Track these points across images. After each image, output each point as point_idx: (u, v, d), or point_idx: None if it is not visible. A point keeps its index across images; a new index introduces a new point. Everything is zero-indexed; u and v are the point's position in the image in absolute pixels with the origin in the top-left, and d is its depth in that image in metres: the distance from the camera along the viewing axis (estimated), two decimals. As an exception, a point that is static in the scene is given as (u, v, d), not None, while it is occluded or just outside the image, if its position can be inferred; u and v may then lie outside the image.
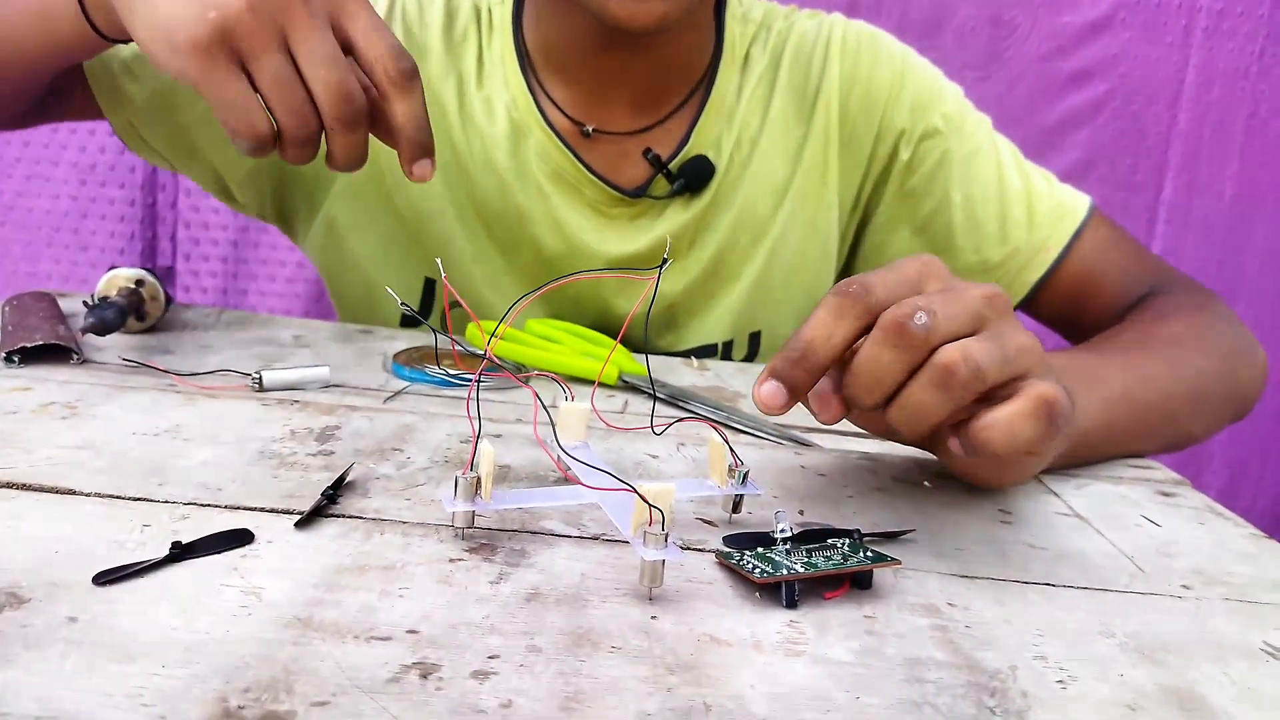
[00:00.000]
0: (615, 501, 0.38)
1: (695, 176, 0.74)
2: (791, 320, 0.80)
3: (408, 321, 0.79)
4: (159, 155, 0.74)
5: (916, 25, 1.23)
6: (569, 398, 0.45)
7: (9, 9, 0.60)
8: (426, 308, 0.79)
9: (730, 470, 0.42)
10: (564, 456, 0.42)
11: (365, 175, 0.76)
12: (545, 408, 0.41)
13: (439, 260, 0.46)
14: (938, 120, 0.76)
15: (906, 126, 0.76)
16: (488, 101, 0.75)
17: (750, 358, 0.80)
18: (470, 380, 0.59)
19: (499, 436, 0.51)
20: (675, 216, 0.75)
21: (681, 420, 0.43)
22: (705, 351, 0.79)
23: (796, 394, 0.40)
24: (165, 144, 0.73)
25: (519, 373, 0.62)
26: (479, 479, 0.37)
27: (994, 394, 0.39)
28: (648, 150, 0.74)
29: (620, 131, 0.75)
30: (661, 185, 0.75)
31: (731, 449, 0.41)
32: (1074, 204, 0.75)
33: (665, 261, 0.42)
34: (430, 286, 0.78)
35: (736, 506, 0.42)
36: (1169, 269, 0.74)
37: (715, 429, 0.42)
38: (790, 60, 0.77)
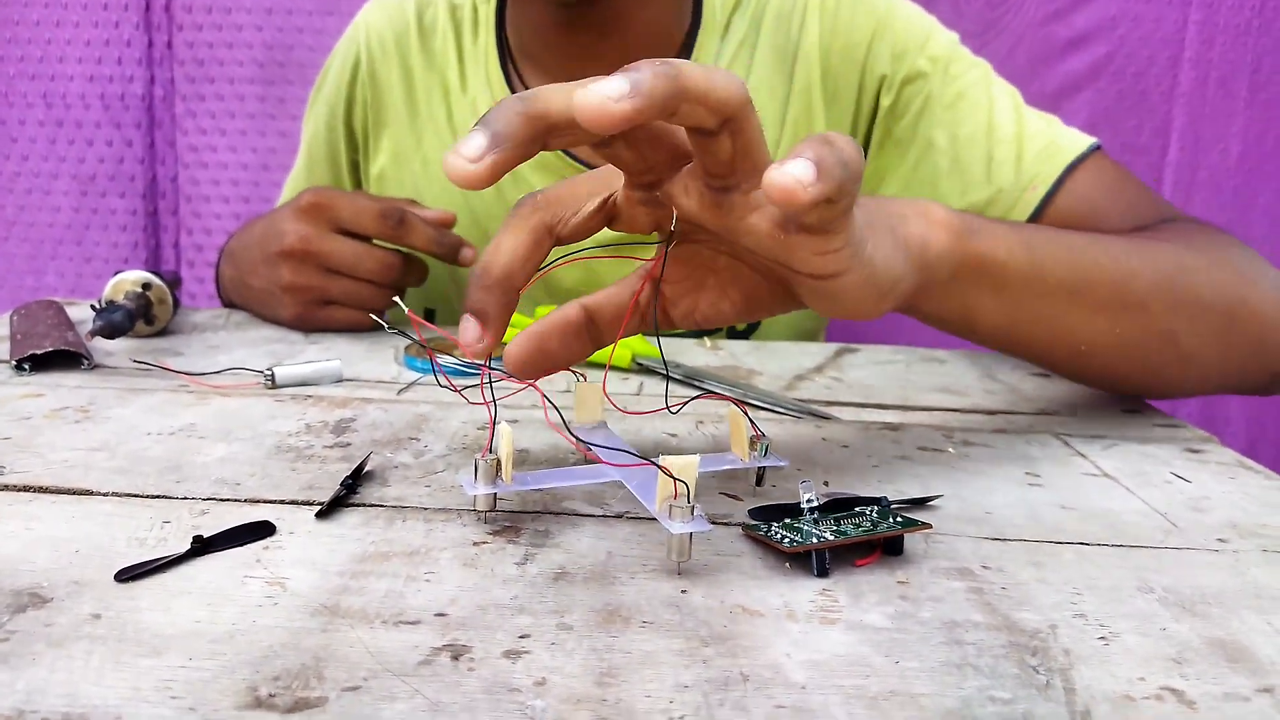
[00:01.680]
0: (639, 479, 0.38)
1: None
2: None
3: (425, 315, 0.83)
4: None
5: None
6: (582, 379, 0.44)
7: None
8: (430, 317, 0.84)
9: (752, 443, 0.41)
10: (580, 437, 0.41)
11: (393, 188, 0.80)
12: (551, 404, 0.40)
13: (397, 299, 0.44)
14: (922, 63, 0.73)
15: (887, 73, 0.74)
16: (473, 104, 0.77)
17: (751, 329, 0.80)
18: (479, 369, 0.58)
19: (515, 422, 0.50)
20: None
21: (697, 398, 0.42)
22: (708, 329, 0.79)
23: (486, 320, 0.36)
24: None
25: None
26: (499, 461, 0.37)
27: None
28: None
29: None
30: None
31: (753, 422, 0.41)
32: (1070, 143, 0.70)
33: (671, 239, 0.41)
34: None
35: (760, 480, 0.42)
36: (1180, 213, 0.68)
37: (735, 404, 0.42)
38: (771, 24, 0.76)
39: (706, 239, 0.40)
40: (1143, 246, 0.54)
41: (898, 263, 0.41)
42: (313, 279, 0.66)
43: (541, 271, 0.42)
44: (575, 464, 0.45)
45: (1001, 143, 0.71)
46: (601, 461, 0.39)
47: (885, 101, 0.75)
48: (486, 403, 0.38)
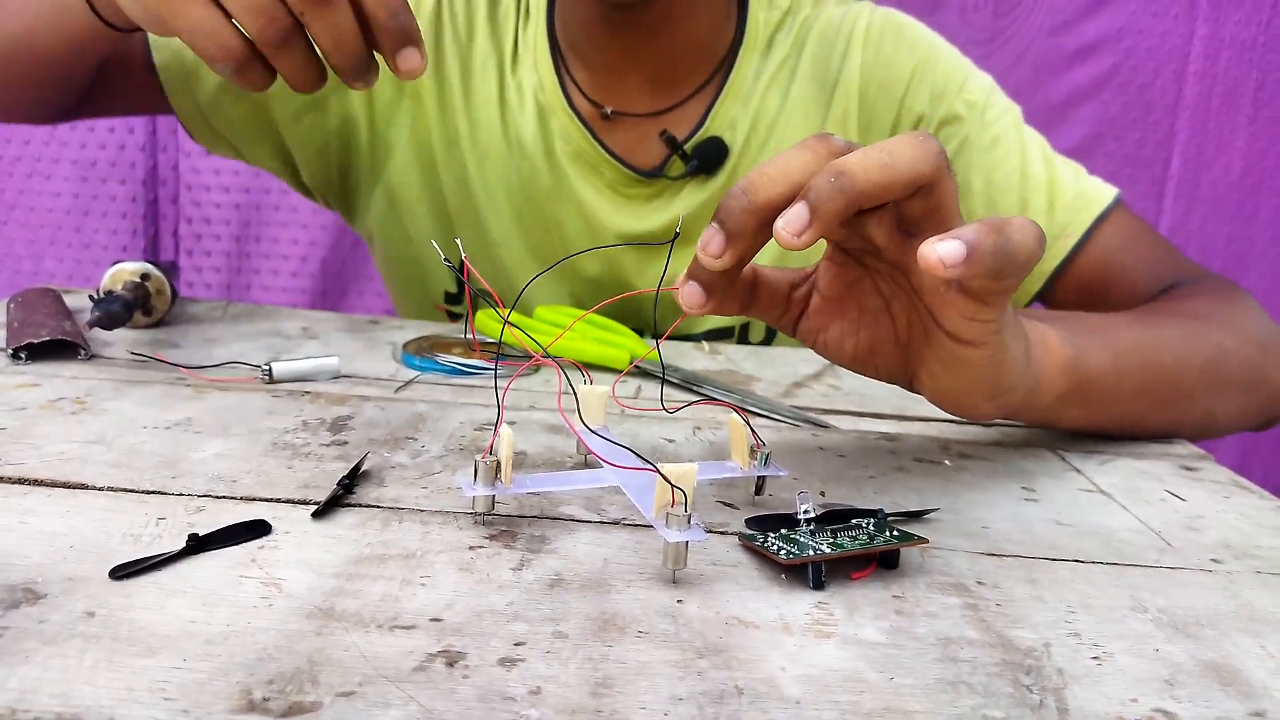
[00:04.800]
0: (637, 485, 0.38)
1: (709, 157, 0.75)
2: None
3: (452, 299, 0.81)
4: (226, 142, 0.77)
5: (920, 1, 1.21)
6: (588, 381, 0.44)
7: (27, 9, 0.62)
8: (459, 290, 0.81)
9: (752, 451, 0.41)
10: (588, 437, 0.41)
11: (418, 149, 0.78)
12: (570, 388, 0.40)
13: (458, 240, 0.44)
14: (960, 106, 0.75)
15: (926, 111, 0.76)
16: (519, 86, 0.77)
17: (768, 340, 0.79)
18: (479, 368, 0.58)
19: (513, 423, 0.50)
20: (690, 197, 0.76)
21: (695, 403, 0.42)
22: (723, 334, 0.79)
23: (734, 241, 0.38)
24: (238, 127, 0.76)
25: (529, 361, 0.61)
26: (499, 463, 0.37)
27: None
28: (663, 131, 0.75)
29: (638, 113, 0.76)
30: (677, 166, 0.76)
31: (753, 430, 0.41)
32: (1098, 194, 0.74)
33: (676, 235, 0.41)
34: (461, 268, 0.80)
35: (759, 488, 0.42)
36: (1197, 266, 0.72)
37: (736, 411, 0.42)
38: (814, 47, 0.77)
39: (883, 267, 0.42)
40: (1191, 335, 0.58)
41: (1020, 370, 0.43)
42: None
43: (555, 265, 0.42)
44: (573, 468, 0.45)
45: (1035, 190, 0.74)
46: (603, 461, 0.38)
47: None
48: (502, 406, 0.38)
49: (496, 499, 0.37)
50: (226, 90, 0.73)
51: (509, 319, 0.53)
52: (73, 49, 0.64)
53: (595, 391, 0.43)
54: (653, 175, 0.75)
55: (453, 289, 0.81)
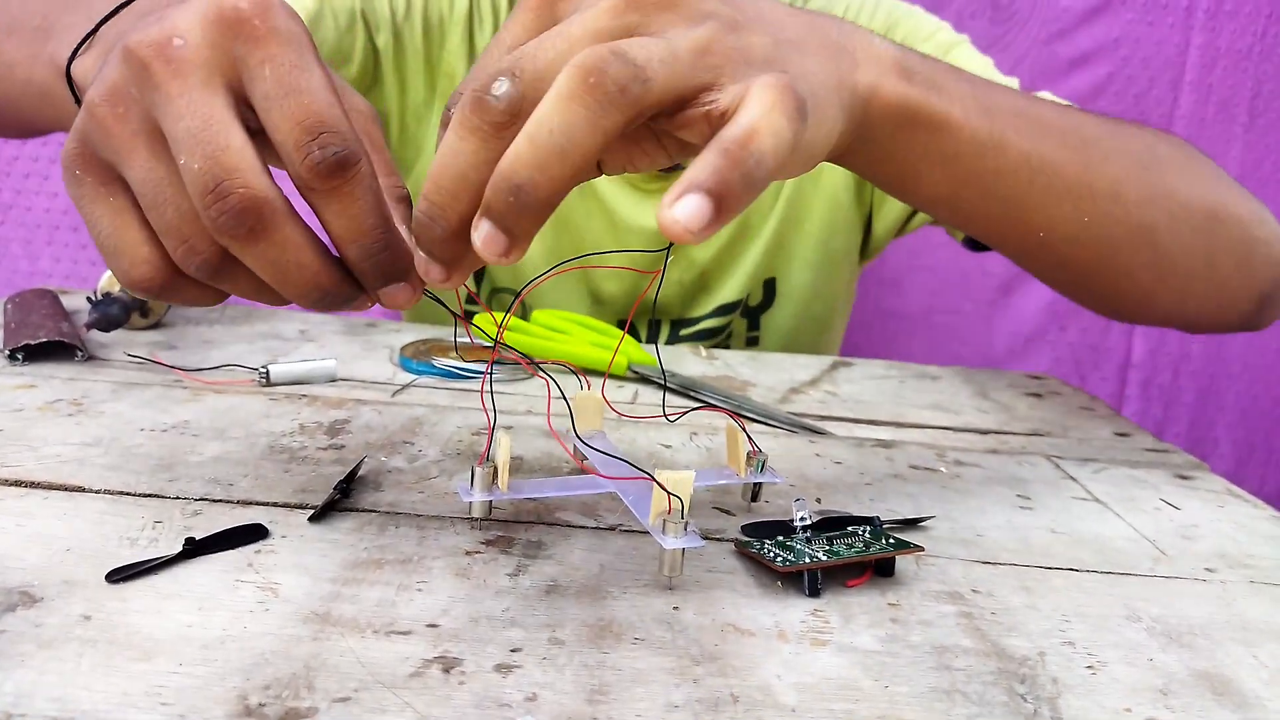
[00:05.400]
0: (633, 491, 0.38)
1: None
2: (804, 266, 0.82)
3: (470, 300, 0.83)
4: None
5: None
6: (585, 386, 0.44)
7: (12, 84, 0.50)
8: (477, 288, 0.82)
9: (749, 458, 0.41)
10: (580, 446, 0.41)
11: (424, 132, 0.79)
12: (560, 396, 0.40)
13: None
14: (929, 48, 0.76)
15: None
16: None
17: (766, 304, 0.82)
18: (476, 373, 0.58)
19: (510, 428, 0.50)
20: None
21: (696, 409, 0.42)
22: (731, 308, 0.81)
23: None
24: None
25: (527, 363, 0.61)
26: (495, 469, 0.37)
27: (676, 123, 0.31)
28: None
29: None
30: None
31: (750, 437, 0.41)
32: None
33: (670, 245, 0.41)
34: (479, 272, 0.82)
35: (755, 495, 0.42)
36: None
37: (732, 418, 0.42)
38: None
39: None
40: (1116, 129, 0.49)
41: (830, 116, 0.35)
42: (126, 124, 0.31)
43: (544, 277, 0.42)
44: (570, 474, 0.45)
45: None
46: (598, 474, 0.39)
47: None
48: (485, 409, 0.38)
49: (494, 504, 0.37)
50: None
51: (505, 324, 0.53)
52: (63, 125, 0.49)
53: (590, 397, 0.43)
54: (673, 169, 0.76)
55: (474, 288, 0.82)
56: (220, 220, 0.29)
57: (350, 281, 0.32)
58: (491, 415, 0.38)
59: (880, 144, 0.39)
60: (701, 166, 0.27)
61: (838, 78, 0.36)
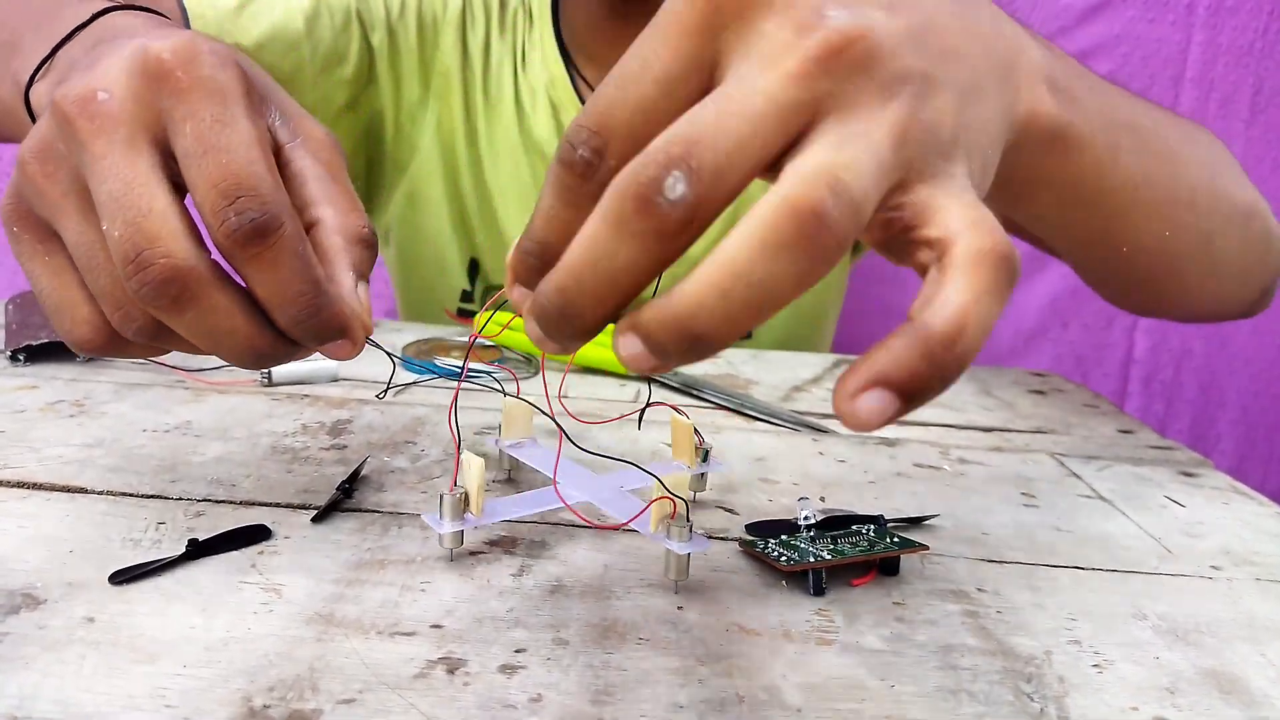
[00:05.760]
0: (606, 496, 0.37)
1: None
2: None
3: (467, 298, 0.83)
4: None
5: (918, 7, 1.22)
6: (517, 392, 0.42)
7: None
8: (471, 288, 0.82)
9: (695, 449, 0.41)
10: (507, 455, 0.41)
11: (442, 148, 0.79)
12: (560, 400, 0.40)
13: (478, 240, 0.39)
14: None
15: None
16: (531, 85, 0.78)
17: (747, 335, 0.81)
18: (479, 371, 0.58)
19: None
20: None
21: (654, 405, 0.41)
22: None
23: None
24: None
25: (530, 362, 0.61)
26: (466, 494, 0.34)
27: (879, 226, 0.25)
28: None
29: None
30: None
31: (697, 430, 0.40)
32: None
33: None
34: (474, 267, 0.82)
35: (701, 485, 0.42)
36: None
37: (675, 410, 0.41)
38: None
39: None
40: (1184, 132, 0.46)
41: (994, 166, 0.30)
42: (55, 185, 0.30)
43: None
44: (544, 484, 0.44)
45: None
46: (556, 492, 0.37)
47: None
48: (452, 427, 0.36)
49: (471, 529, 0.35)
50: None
51: (507, 326, 0.52)
52: (19, 137, 0.46)
53: (518, 405, 0.42)
54: None
55: (468, 288, 0.82)
56: (143, 291, 0.28)
57: (287, 341, 0.31)
58: (457, 436, 0.36)
59: (1006, 165, 0.32)
60: (894, 359, 0.23)
61: (1008, 119, 0.31)
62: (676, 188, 0.22)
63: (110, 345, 0.32)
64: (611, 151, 0.24)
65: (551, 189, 0.26)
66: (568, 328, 0.25)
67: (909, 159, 0.24)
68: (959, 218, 0.24)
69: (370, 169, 0.81)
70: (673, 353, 0.23)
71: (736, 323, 0.23)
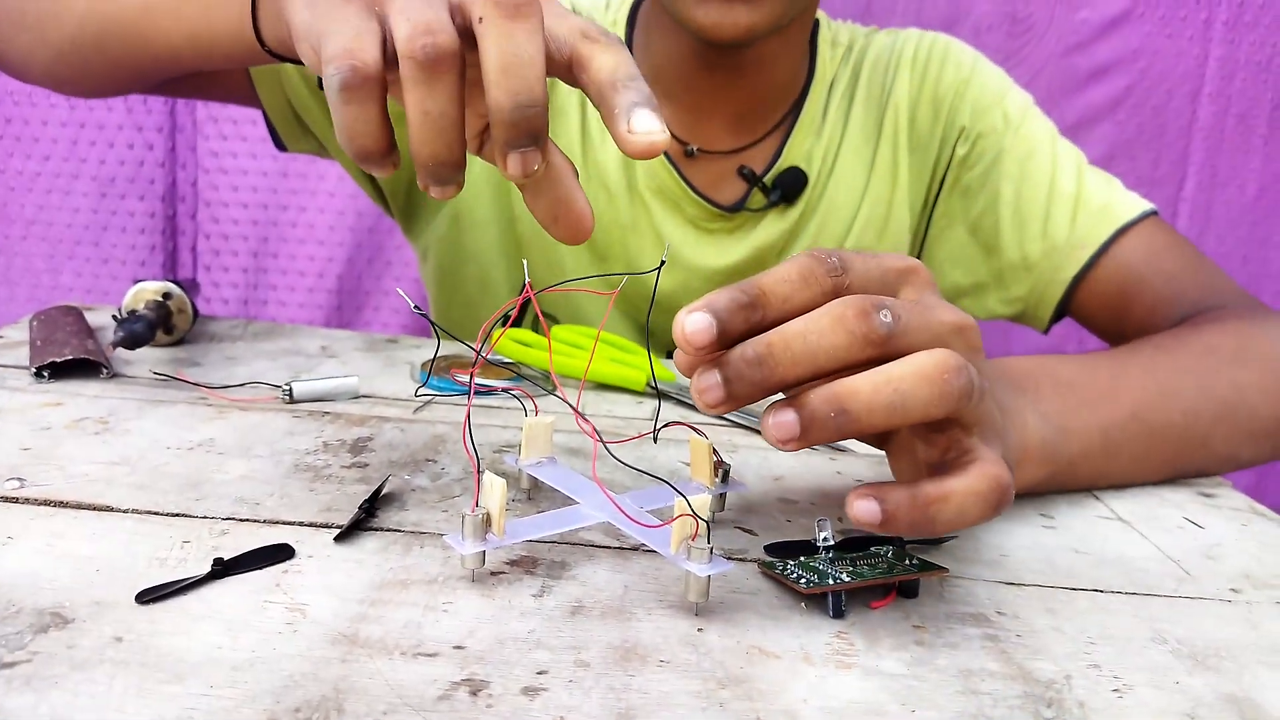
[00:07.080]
0: (628, 519, 0.37)
1: (790, 188, 0.78)
2: None
3: (505, 320, 0.83)
4: (313, 140, 0.78)
5: (933, 23, 1.22)
6: (535, 411, 0.43)
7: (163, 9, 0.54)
8: (522, 311, 0.82)
9: (715, 469, 0.41)
10: (527, 474, 0.41)
11: (490, 171, 0.79)
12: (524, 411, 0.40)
13: (525, 262, 0.41)
14: (997, 119, 0.77)
15: (966, 125, 0.78)
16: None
17: None
18: (503, 389, 0.59)
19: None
20: (769, 227, 0.79)
21: (671, 425, 0.41)
22: None
23: (725, 339, 0.33)
24: (327, 129, 0.75)
25: (546, 380, 0.61)
26: (489, 515, 0.35)
27: (930, 437, 0.36)
28: (742, 167, 0.78)
29: (721, 151, 0.78)
30: (758, 199, 0.78)
31: (714, 450, 0.41)
32: (1125, 207, 0.74)
33: (662, 262, 0.42)
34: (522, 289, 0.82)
35: (721, 505, 0.43)
36: (1229, 283, 0.70)
37: (694, 430, 0.41)
38: (867, 74, 0.81)
39: None
40: (1205, 376, 0.55)
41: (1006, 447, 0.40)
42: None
43: (559, 287, 0.42)
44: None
45: (1060, 200, 0.75)
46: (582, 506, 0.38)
47: (960, 151, 0.79)
48: (468, 447, 0.36)
49: (492, 550, 0.36)
50: (318, 94, 0.73)
51: (490, 349, 0.53)
52: (200, 58, 0.56)
53: (539, 424, 0.42)
54: (735, 209, 0.77)
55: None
56: (427, 49, 0.33)
57: (463, 165, 0.36)
58: (475, 460, 0.36)
59: (1024, 488, 0.45)
60: (890, 494, 0.33)
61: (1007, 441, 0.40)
62: (886, 317, 0.33)
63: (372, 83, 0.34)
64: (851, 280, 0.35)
65: (797, 267, 0.34)
66: (759, 382, 0.33)
67: (976, 422, 0.36)
68: (989, 453, 0.35)
69: (413, 186, 0.82)
70: (815, 421, 0.32)
71: (872, 415, 0.32)
